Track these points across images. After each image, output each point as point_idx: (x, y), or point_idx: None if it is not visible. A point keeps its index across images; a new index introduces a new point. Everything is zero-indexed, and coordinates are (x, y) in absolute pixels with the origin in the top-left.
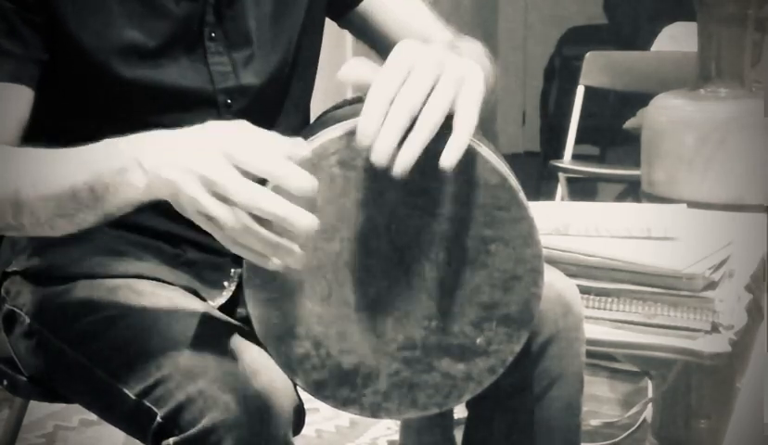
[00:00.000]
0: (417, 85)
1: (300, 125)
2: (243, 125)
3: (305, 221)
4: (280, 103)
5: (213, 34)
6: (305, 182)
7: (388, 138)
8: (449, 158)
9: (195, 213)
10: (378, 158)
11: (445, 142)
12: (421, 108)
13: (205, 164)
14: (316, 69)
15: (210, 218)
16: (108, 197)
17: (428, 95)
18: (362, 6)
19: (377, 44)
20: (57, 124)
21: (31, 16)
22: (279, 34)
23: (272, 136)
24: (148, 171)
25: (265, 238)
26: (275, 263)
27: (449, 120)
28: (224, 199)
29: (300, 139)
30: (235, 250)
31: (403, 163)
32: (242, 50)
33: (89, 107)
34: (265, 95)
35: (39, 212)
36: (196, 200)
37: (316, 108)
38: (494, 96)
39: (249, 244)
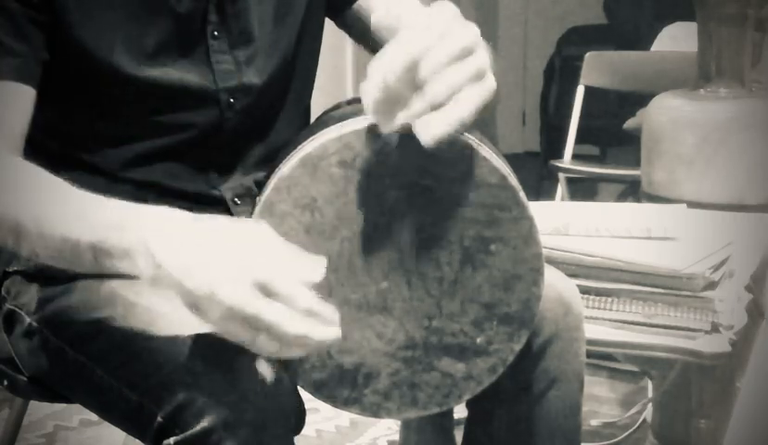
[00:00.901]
0: (447, 52)
1: (301, 124)
2: (269, 243)
3: (329, 334)
4: (281, 101)
5: (216, 33)
6: (328, 333)
7: (393, 72)
8: (428, 130)
9: (224, 328)
10: (385, 127)
11: (445, 142)
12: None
13: (237, 298)
14: (317, 68)
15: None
16: (110, 267)
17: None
18: (358, 5)
19: (374, 44)
20: (61, 122)
21: (35, 14)
22: (281, 33)
23: (297, 259)
24: (158, 266)
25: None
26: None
27: None
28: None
29: (321, 258)
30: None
31: (433, 136)
32: (245, 49)
33: (92, 105)
34: (267, 93)
35: (38, 251)
36: (225, 329)
37: (316, 108)
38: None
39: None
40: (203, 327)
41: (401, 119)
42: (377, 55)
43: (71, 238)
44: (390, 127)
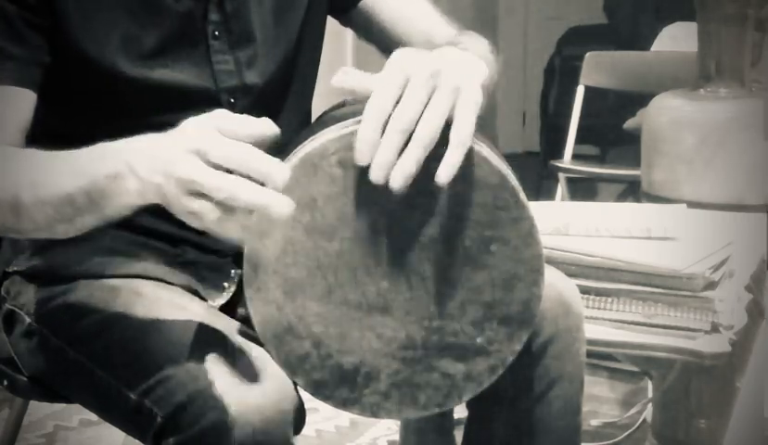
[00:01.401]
0: (412, 102)
1: (301, 124)
2: (216, 118)
3: (282, 206)
4: (282, 102)
5: (217, 33)
6: (278, 171)
7: (384, 158)
8: (444, 173)
9: (183, 214)
10: (376, 176)
11: (444, 146)
12: (417, 123)
13: (179, 166)
14: (317, 68)
15: (196, 214)
16: (105, 203)
17: (425, 107)
18: (364, 4)
19: (380, 42)
20: (61, 124)
21: (34, 18)
22: (281, 33)
23: (243, 122)
24: (141, 178)
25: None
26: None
27: (447, 126)
28: (203, 196)
29: (268, 120)
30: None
31: (399, 180)
32: (245, 49)
33: (93, 106)
34: (268, 93)
35: (38, 217)
36: (178, 202)
37: (316, 108)
38: (493, 89)
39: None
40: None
41: (406, 171)
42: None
43: (66, 190)
44: (399, 183)
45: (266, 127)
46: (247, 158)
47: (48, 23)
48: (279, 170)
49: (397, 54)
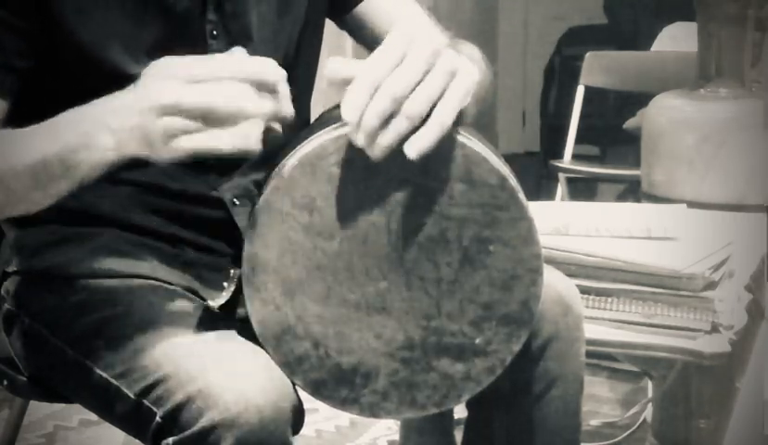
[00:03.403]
0: (407, 73)
1: (301, 124)
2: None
3: (277, 71)
4: None
5: (215, 32)
6: (266, 65)
7: (368, 122)
8: (414, 147)
9: (168, 146)
10: (359, 139)
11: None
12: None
13: (159, 94)
14: (317, 68)
15: (181, 133)
16: (79, 164)
17: (418, 84)
18: (360, 8)
19: (375, 46)
20: None
21: (14, 21)
22: (280, 33)
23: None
24: (115, 130)
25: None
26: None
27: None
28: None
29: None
30: (225, 146)
31: (379, 149)
32: (244, 48)
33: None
34: None
35: (14, 186)
36: (161, 133)
37: (316, 108)
38: (490, 99)
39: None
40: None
41: (387, 141)
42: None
43: (40, 158)
44: (377, 151)
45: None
46: (233, 67)
47: (32, 26)
48: (270, 64)
49: (400, 29)
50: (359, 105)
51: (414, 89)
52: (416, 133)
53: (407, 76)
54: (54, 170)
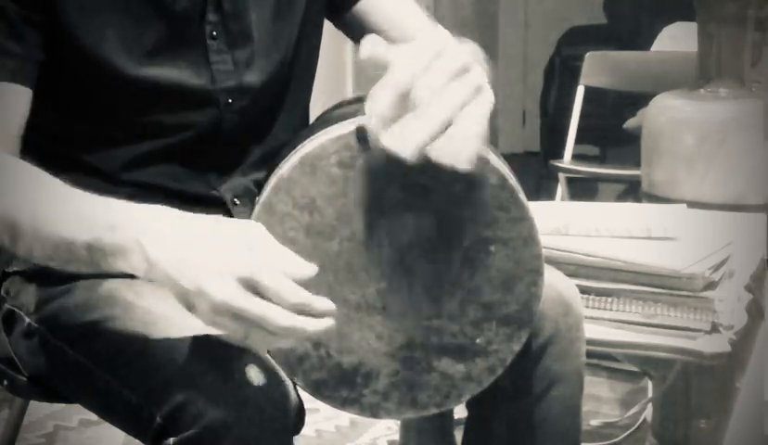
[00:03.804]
0: (442, 72)
1: (300, 124)
2: (259, 240)
3: (325, 307)
4: (280, 102)
5: (215, 33)
6: (324, 306)
7: (420, 138)
8: (463, 158)
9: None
10: (386, 142)
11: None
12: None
13: (225, 292)
14: (316, 68)
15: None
16: (105, 265)
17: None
18: (358, 7)
19: None
20: (60, 124)
21: (32, 15)
22: (279, 33)
23: (287, 256)
24: (152, 264)
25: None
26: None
27: None
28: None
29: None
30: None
31: (412, 147)
32: (243, 49)
33: (90, 106)
34: (266, 93)
35: (34, 250)
36: (205, 314)
37: (316, 107)
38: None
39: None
40: (201, 328)
41: (420, 139)
42: (378, 82)
43: (67, 238)
44: (411, 150)
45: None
46: (293, 298)
47: (46, 20)
48: (321, 302)
49: (435, 32)
50: (386, 105)
51: (440, 94)
52: (461, 148)
53: (442, 75)
54: (79, 258)
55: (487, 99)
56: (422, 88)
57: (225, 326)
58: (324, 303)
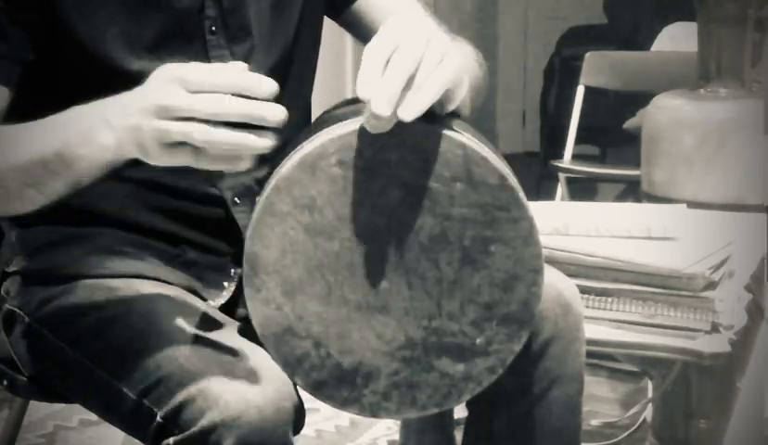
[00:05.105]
0: (409, 53)
1: (301, 119)
2: (183, 68)
3: (275, 111)
4: (279, 97)
5: (214, 28)
6: (265, 83)
7: (390, 87)
8: (408, 111)
9: (162, 149)
10: (381, 110)
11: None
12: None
13: (158, 95)
14: (316, 64)
15: (176, 145)
16: (78, 162)
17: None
18: (356, 5)
19: None
20: None
21: (18, 14)
22: (278, 27)
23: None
24: (116, 127)
25: (236, 137)
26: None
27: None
28: (185, 120)
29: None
30: (210, 166)
31: (413, 109)
32: (242, 43)
33: (90, 101)
34: None
35: (8, 183)
36: (158, 132)
37: (316, 107)
38: (484, 92)
39: (221, 150)
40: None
41: (419, 104)
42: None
43: (36, 154)
44: (411, 113)
45: (243, 76)
46: (228, 78)
47: (35, 19)
48: (263, 80)
49: (392, 20)
50: (376, 72)
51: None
52: (409, 101)
53: (410, 55)
54: (52, 168)
55: (450, 64)
56: (397, 63)
57: (183, 132)
58: (259, 78)
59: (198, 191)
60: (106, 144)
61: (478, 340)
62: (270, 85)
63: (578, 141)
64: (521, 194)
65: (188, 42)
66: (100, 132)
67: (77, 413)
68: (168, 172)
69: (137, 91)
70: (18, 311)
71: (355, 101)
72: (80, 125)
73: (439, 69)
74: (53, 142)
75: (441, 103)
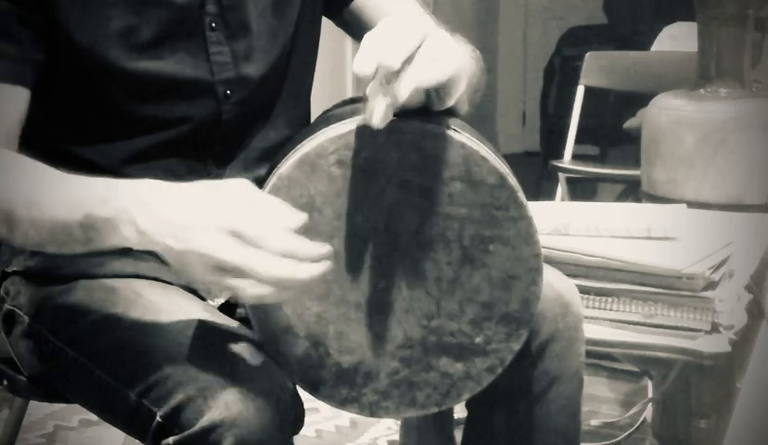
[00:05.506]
0: (408, 37)
1: (300, 118)
2: (244, 194)
3: (321, 250)
4: (278, 94)
5: (214, 24)
6: (317, 251)
7: (390, 58)
8: (404, 86)
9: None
10: (365, 67)
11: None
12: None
13: (211, 247)
14: (315, 61)
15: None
16: (99, 241)
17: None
18: (355, 5)
19: None
20: (59, 119)
21: (28, 15)
22: (278, 25)
23: (274, 206)
24: (142, 232)
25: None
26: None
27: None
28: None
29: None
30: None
31: (405, 89)
32: (242, 40)
33: (89, 100)
34: (264, 85)
35: (30, 235)
36: (209, 286)
37: (317, 107)
38: (482, 90)
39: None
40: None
41: (409, 82)
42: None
43: (62, 219)
44: (402, 91)
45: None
46: (285, 244)
47: (42, 18)
48: (314, 246)
49: (390, 16)
50: (374, 52)
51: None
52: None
53: (407, 42)
54: (74, 237)
55: (447, 62)
56: (393, 46)
57: (218, 282)
58: (317, 248)
59: None
60: (128, 239)
61: (477, 339)
62: (321, 250)
63: (578, 141)
64: (521, 193)
65: (188, 38)
66: (125, 228)
67: (77, 413)
68: (168, 170)
69: (177, 209)
70: (17, 311)
71: (355, 101)
72: (105, 211)
73: (439, 55)
74: (76, 215)
75: (440, 97)
